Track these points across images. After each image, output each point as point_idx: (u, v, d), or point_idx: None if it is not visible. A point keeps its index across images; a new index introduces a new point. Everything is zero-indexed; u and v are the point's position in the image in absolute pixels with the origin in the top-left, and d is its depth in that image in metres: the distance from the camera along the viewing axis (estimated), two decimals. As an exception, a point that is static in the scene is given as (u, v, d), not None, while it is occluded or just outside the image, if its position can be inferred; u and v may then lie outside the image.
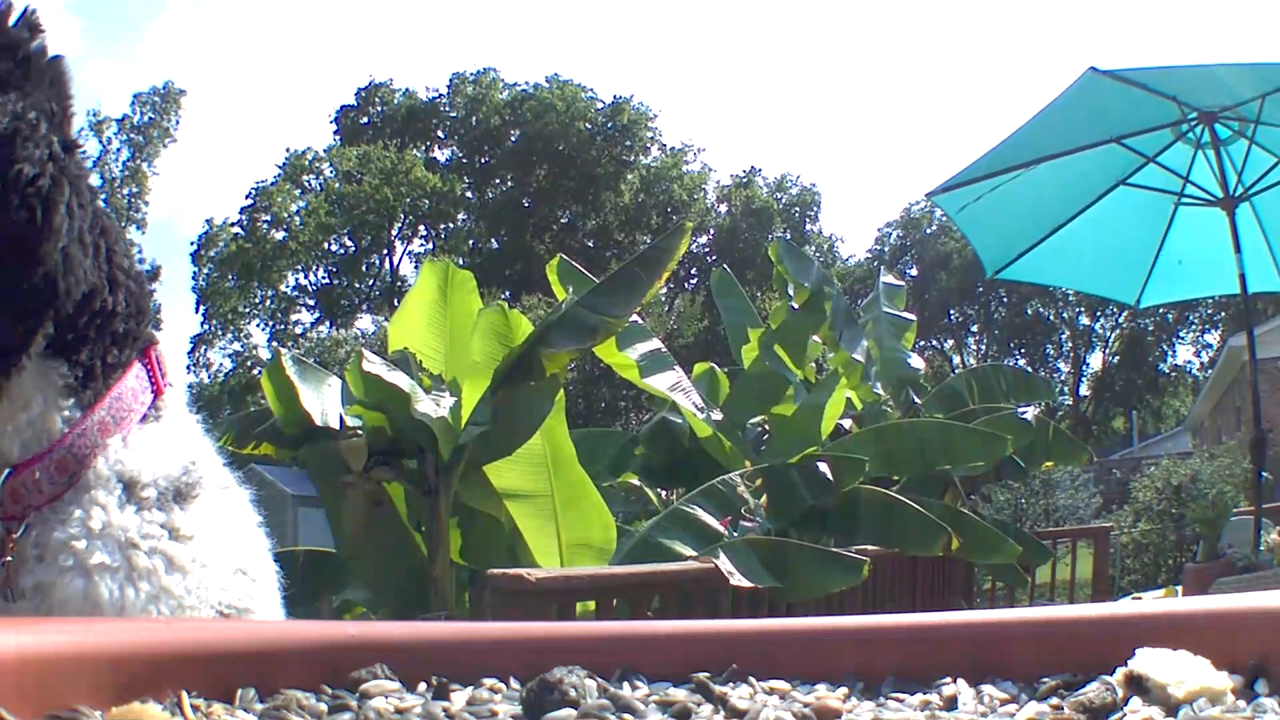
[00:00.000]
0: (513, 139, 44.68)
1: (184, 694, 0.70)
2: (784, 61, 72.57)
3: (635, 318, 7.10)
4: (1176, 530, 13.06)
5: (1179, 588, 8.59)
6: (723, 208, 46.24)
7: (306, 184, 43.91)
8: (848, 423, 8.88)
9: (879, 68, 73.26)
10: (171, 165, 70.77)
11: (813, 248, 40.95)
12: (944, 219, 32.24)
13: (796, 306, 9.03)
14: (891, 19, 71.03)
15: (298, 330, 44.00)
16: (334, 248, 44.69)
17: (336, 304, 44.28)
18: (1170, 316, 40.68)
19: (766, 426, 8.64)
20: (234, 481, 1.32)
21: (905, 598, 7.48)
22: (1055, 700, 0.70)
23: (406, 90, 46.31)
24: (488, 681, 0.75)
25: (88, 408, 1.20)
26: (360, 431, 6.15)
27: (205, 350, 42.14)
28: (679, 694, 0.72)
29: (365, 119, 45.55)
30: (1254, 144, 7.55)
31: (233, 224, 42.90)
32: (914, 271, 42.85)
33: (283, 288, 44.30)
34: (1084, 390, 44.13)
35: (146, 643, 0.74)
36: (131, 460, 1.21)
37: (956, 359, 43.28)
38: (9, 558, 1.14)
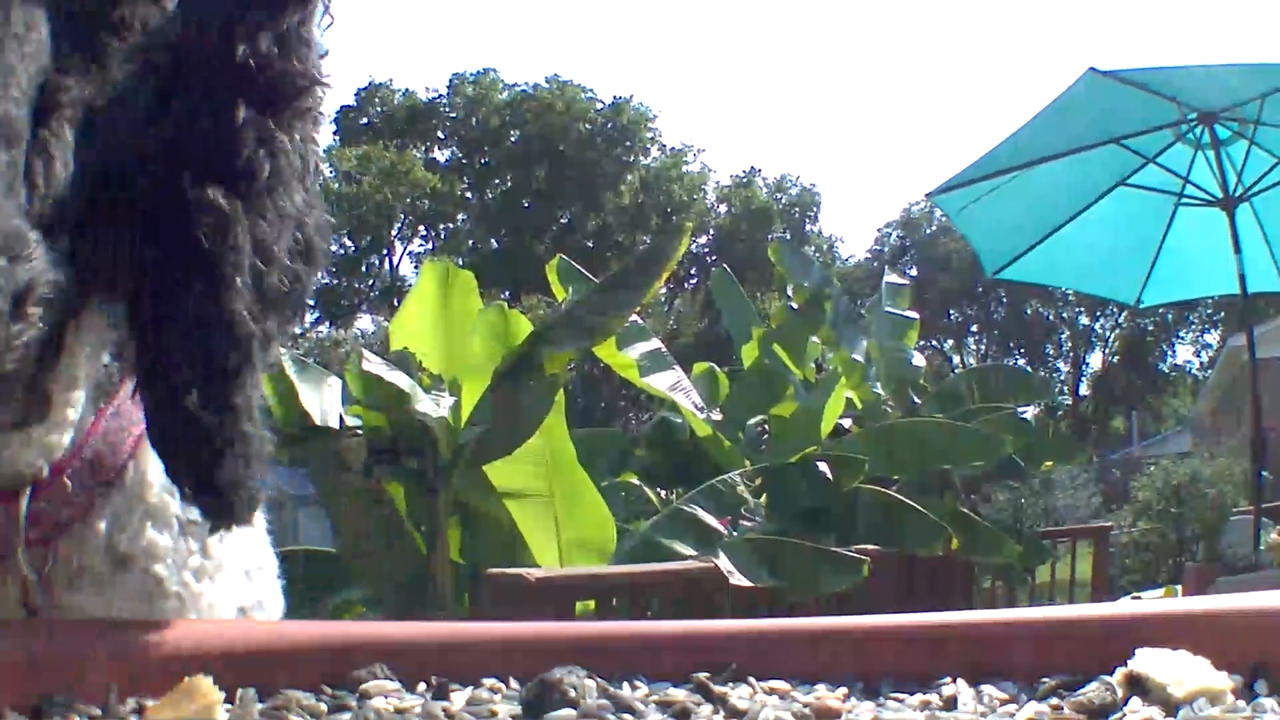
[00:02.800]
0: (512, 139, 44.65)
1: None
2: (784, 62, 72.61)
3: (635, 318, 7.11)
4: (1176, 530, 13.04)
5: (1179, 588, 8.59)
6: (722, 208, 46.22)
7: (306, 184, 43.84)
8: (847, 422, 8.87)
9: (878, 68, 73.32)
10: (171, 165, 70.45)
11: (812, 248, 40.93)
12: (944, 219, 32.23)
13: (796, 306, 9.03)
14: (891, 19, 71.07)
15: (297, 330, 43.95)
16: (334, 248, 44.65)
17: (336, 304, 44.26)
18: (1170, 316, 40.65)
19: (766, 426, 8.64)
20: None
21: (905, 598, 7.47)
22: (1055, 700, 0.70)
23: (406, 90, 46.31)
24: (488, 681, 0.75)
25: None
26: (360, 431, 6.15)
27: (205, 350, 42.10)
28: (679, 694, 0.72)
29: (365, 119, 45.51)
30: (1254, 144, 7.56)
31: (232, 224, 42.84)
32: (914, 272, 42.81)
33: (282, 288, 44.26)
34: (1084, 390, 44.11)
35: (145, 643, 0.74)
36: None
37: (956, 359, 43.25)
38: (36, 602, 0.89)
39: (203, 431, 0.73)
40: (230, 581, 1.03)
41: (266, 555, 1.15)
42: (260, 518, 1.12)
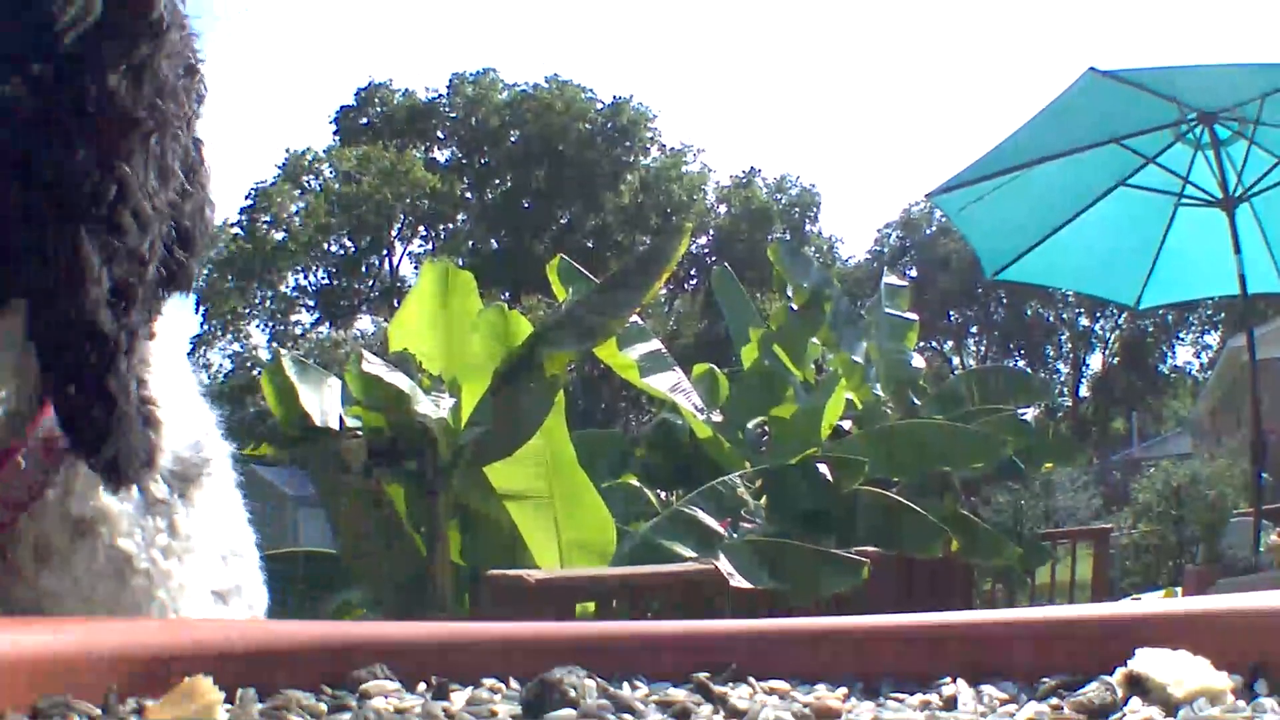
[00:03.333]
0: (512, 139, 44.67)
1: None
2: (784, 62, 72.62)
3: (635, 318, 7.11)
4: (1176, 532, 13.05)
5: (1179, 589, 8.59)
6: (722, 208, 46.24)
7: (306, 184, 43.91)
8: (847, 424, 8.88)
9: (878, 68, 73.33)
10: (171, 166, 70.61)
11: (812, 248, 40.95)
12: (943, 220, 32.24)
13: (795, 308, 9.03)
14: (891, 19, 71.08)
15: (297, 331, 44.01)
16: (333, 248, 44.70)
17: (336, 304, 44.27)
18: (1170, 317, 40.67)
19: (766, 428, 8.64)
20: (221, 444, 1.13)
21: (904, 600, 7.47)
22: (1055, 700, 0.70)
23: (406, 90, 46.32)
24: (488, 681, 0.75)
25: None
26: (360, 432, 6.15)
27: (205, 351, 42.13)
28: (679, 694, 0.72)
29: (365, 119, 45.52)
30: (1254, 144, 7.56)
31: (232, 225, 42.87)
32: (913, 272, 42.81)
33: (282, 288, 44.32)
34: (1084, 391, 44.13)
35: (145, 643, 0.74)
36: None
37: (956, 360, 43.26)
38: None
39: (86, 416, 0.88)
40: (203, 563, 1.05)
41: (246, 542, 1.17)
42: (239, 503, 1.16)
